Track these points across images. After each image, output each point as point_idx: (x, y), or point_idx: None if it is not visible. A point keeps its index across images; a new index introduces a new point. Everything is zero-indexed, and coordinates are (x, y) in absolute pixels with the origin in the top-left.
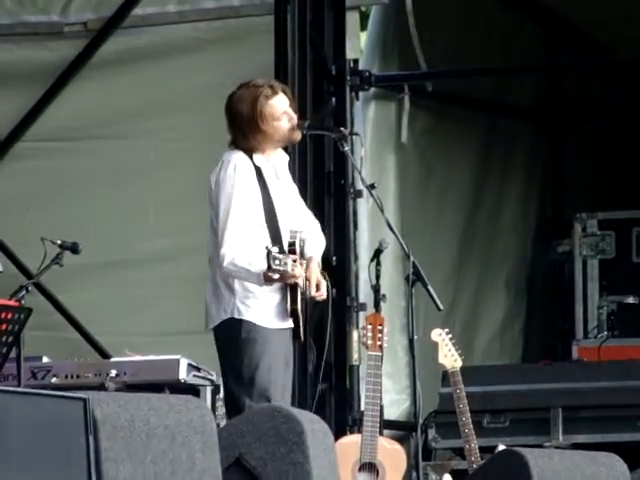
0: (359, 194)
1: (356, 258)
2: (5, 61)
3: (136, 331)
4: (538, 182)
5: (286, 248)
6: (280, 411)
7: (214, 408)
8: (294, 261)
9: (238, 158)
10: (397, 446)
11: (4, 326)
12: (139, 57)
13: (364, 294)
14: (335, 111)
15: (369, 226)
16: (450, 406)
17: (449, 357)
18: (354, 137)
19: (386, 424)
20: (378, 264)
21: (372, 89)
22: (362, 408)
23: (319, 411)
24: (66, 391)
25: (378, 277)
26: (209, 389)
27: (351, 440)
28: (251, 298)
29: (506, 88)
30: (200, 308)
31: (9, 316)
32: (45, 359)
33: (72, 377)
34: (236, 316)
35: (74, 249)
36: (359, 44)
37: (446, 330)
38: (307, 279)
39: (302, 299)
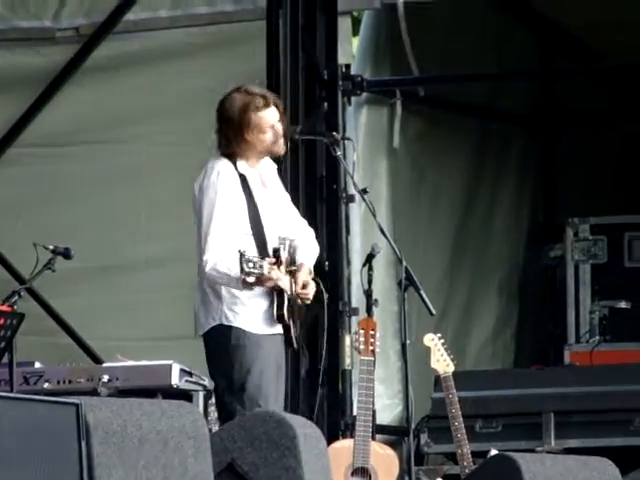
0: (351, 199)
1: (348, 263)
2: None
3: (128, 336)
4: (530, 187)
5: (271, 254)
6: (272, 416)
7: (206, 413)
8: (272, 264)
9: (221, 165)
10: (389, 451)
11: None
12: (131, 62)
13: (356, 299)
14: (327, 116)
15: (361, 231)
16: (442, 411)
17: (441, 362)
18: (346, 142)
19: (378, 429)
20: (370, 269)
21: (364, 94)
22: (354, 413)
23: (312, 416)
24: (58, 396)
25: (370, 282)
26: (201, 394)
27: (343, 445)
28: (238, 304)
29: (498, 93)
30: (192, 312)
31: (1, 321)
32: (37, 364)
33: (64, 382)
34: (224, 322)
35: (66, 254)
36: (351, 49)
37: (438, 335)
38: (295, 284)
39: (291, 305)
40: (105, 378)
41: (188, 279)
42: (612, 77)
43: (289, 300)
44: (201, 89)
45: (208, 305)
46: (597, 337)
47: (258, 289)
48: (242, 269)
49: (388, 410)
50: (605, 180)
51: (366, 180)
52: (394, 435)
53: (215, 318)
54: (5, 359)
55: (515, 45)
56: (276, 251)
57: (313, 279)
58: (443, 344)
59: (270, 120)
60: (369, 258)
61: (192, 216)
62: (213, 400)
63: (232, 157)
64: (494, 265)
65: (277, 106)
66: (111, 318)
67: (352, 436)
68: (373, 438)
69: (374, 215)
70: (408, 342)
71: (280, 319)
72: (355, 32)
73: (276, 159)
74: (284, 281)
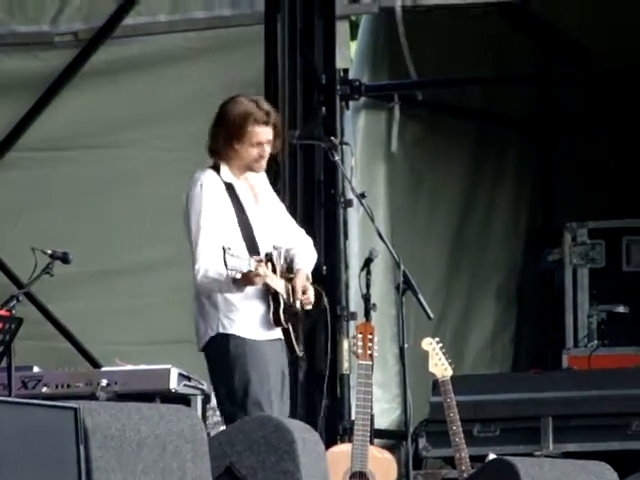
0: (349, 203)
1: (346, 267)
2: None
3: (127, 340)
4: (528, 191)
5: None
6: (271, 420)
7: (205, 417)
8: (259, 261)
9: (205, 177)
10: (388, 455)
11: None
12: (130, 67)
13: (354, 303)
14: (325, 120)
15: (359, 235)
16: (440, 415)
17: (439, 366)
18: (344, 146)
19: (377, 433)
20: (368, 273)
21: (362, 98)
22: (353, 417)
23: (310, 420)
24: (57, 401)
25: (368, 286)
26: (200, 398)
27: (342, 449)
28: (234, 311)
29: (496, 98)
30: (190, 317)
31: (0, 326)
32: (36, 369)
33: (63, 387)
34: (221, 331)
35: (64, 259)
36: (349, 53)
37: (436, 339)
38: (293, 289)
39: (287, 309)
40: (104, 382)
41: (186, 283)
42: (610, 81)
43: (285, 304)
44: (199, 93)
45: (206, 316)
46: (595, 341)
47: (252, 292)
48: (226, 264)
49: (386, 414)
50: (603, 184)
51: (364, 184)
52: (392, 439)
53: (213, 328)
54: (4, 363)
55: (513, 49)
56: (268, 255)
57: (312, 284)
58: (441, 348)
59: (262, 138)
60: (367, 262)
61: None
62: (211, 404)
63: (216, 166)
64: (492, 269)
65: (275, 128)
66: (109, 322)
67: (350, 440)
68: (371, 442)
69: (372, 219)
70: (406, 346)
71: (277, 322)
72: (353, 36)
73: (271, 164)
74: (275, 281)
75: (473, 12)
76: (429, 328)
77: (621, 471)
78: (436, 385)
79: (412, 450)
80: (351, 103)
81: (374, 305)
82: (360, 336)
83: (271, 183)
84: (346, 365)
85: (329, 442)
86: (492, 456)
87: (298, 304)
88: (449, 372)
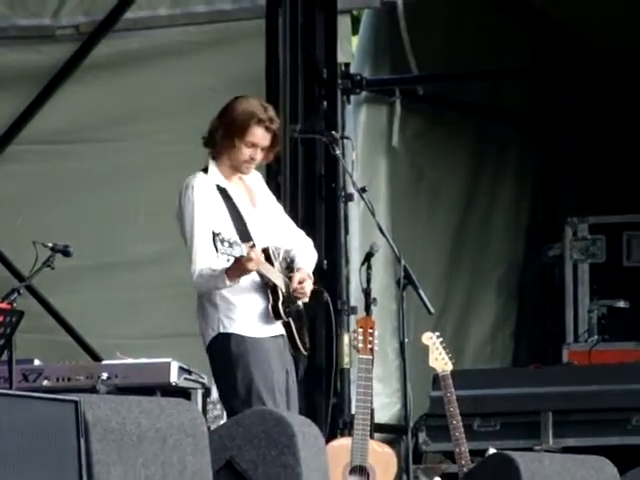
0: (350, 198)
1: (347, 262)
2: None
3: (127, 334)
4: (529, 186)
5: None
6: (271, 414)
7: (205, 411)
8: (251, 247)
9: (196, 180)
10: (388, 449)
11: None
12: (131, 60)
13: (355, 297)
14: (326, 115)
15: (360, 230)
16: (441, 409)
17: (440, 360)
18: (345, 141)
19: (377, 427)
20: (369, 268)
21: (363, 93)
22: (353, 411)
23: (310, 414)
24: (57, 394)
25: (369, 281)
26: (200, 392)
27: (342, 443)
28: (233, 310)
29: (497, 92)
30: (191, 310)
31: (1, 319)
32: (37, 362)
33: (63, 380)
34: (222, 330)
35: (65, 252)
36: (350, 48)
37: (437, 333)
38: (291, 280)
39: (287, 304)
40: (104, 376)
41: (187, 277)
42: (610, 76)
43: (284, 297)
44: (200, 87)
45: (207, 317)
46: (595, 336)
47: (250, 286)
48: (216, 248)
49: (386, 409)
50: (604, 179)
51: (365, 179)
52: (392, 433)
53: (214, 328)
54: (4, 356)
55: (514, 44)
56: (265, 250)
57: (314, 284)
58: (442, 343)
59: (259, 140)
60: (368, 257)
61: None
62: (212, 398)
63: (207, 170)
64: (493, 264)
65: (276, 134)
66: (110, 316)
67: (350, 434)
68: (371, 436)
69: (373, 214)
70: (407, 341)
71: (277, 315)
72: (355, 31)
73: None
74: (272, 272)
75: (474, 7)
76: (429, 322)
77: (621, 466)
78: (436, 379)
79: (412, 444)
80: (352, 97)
81: (374, 299)
82: (360, 330)
83: (272, 177)
84: (346, 359)
85: (329, 436)
86: (492, 451)
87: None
88: (449, 366)
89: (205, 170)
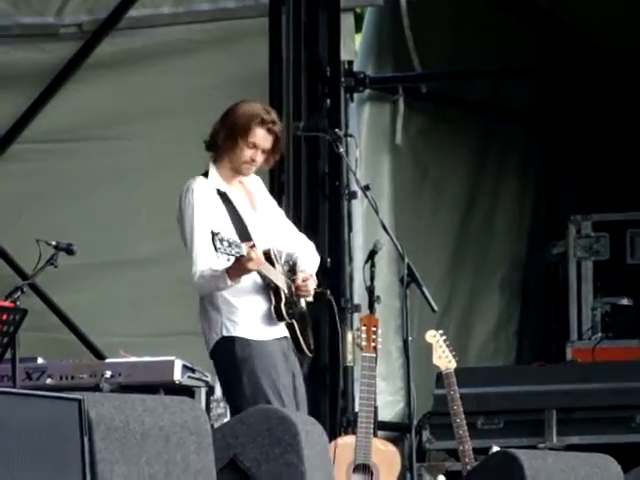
0: (354, 195)
1: (350, 259)
2: (0, 62)
3: (131, 332)
4: (533, 184)
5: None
6: (275, 412)
7: (208, 409)
8: (251, 247)
9: (196, 184)
10: (391, 447)
11: None
12: (134, 59)
13: (358, 295)
14: (330, 113)
15: (364, 227)
16: (444, 407)
17: (443, 358)
18: (349, 139)
19: (380, 425)
20: (372, 265)
21: (367, 91)
22: (356, 409)
23: (314, 413)
24: (61, 392)
25: (372, 278)
26: (204, 390)
27: (345, 441)
28: (236, 313)
29: (501, 90)
30: (195, 309)
31: (4, 317)
32: (40, 360)
33: (67, 378)
34: (225, 334)
35: (69, 250)
36: (354, 46)
37: (440, 331)
38: (294, 282)
39: (290, 305)
40: (108, 374)
41: (190, 276)
42: (614, 74)
43: (286, 298)
44: (203, 86)
45: (210, 320)
46: (599, 334)
47: (252, 288)
48: (216, 248)
49: (390, 407)
50: (607, 177)
51: (368, 177)
52: (396, 432)
53: (217, 332)
54: (8, 355)
55: (518, 42)
56: (266, 252)
57: (317, 286)
58: (445, 341)
59: (261, 141)
60: (371, 255)
61: None
62: (215, 396)
63: (207, 174)
64: (496, 262)
65: (277, 138)
66: (113, 314)
67: (354, 433)
68: (375, 435)
69: (376, 212)
70: (410, 339)
71: (279, 317)
72: (358, 29)
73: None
74: (273, 273)
75: (478, 4)
76: (433, 320)
77: (625, 464)
78: (440, 377)
79: (416, 442)
80: (356, 95)
81: (378, 297)
82: (364, 328)
83: (275, 175)
84: (350, 357)
85: (333, 434)
86: (496, 448)
87: (297, 291)
88: (453, 364)
89: (205, 174)
